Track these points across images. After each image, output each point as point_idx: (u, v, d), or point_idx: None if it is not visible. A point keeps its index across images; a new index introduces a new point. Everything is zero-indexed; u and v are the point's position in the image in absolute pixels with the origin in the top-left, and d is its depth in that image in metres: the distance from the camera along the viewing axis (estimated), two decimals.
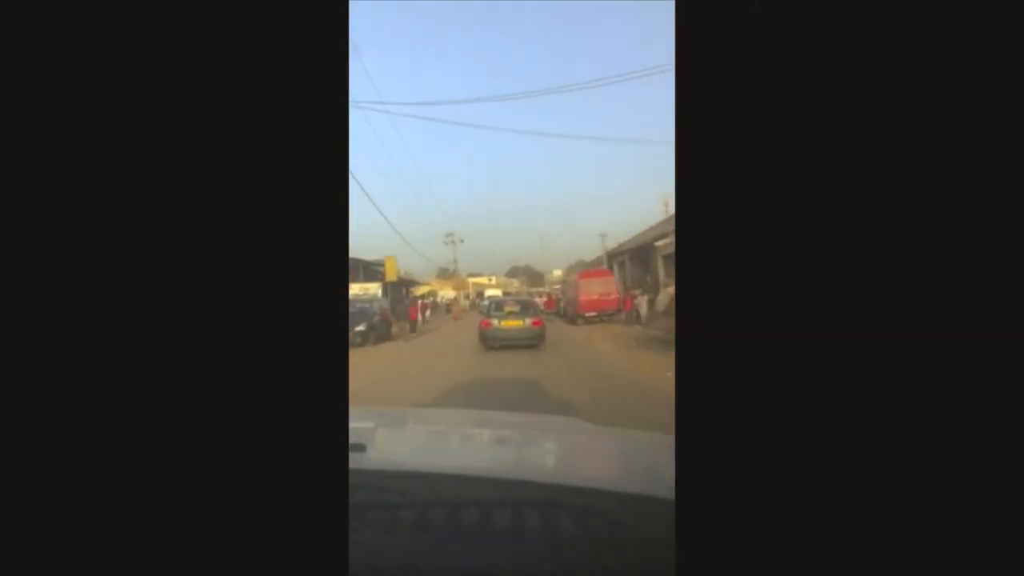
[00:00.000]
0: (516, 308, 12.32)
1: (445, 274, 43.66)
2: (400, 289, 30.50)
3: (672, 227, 17.47)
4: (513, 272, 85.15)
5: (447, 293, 40.20)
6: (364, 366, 9.49)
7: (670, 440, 0.96)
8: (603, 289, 19.93)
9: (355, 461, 0.84)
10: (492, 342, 11.57)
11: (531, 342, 11.42)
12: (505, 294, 35.15)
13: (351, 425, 0.74)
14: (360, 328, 13.44)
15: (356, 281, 21.24)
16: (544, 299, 25.72)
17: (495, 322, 11.73)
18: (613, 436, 1.75)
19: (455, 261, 38.91)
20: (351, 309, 12.98)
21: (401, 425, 1.79)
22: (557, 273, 53.87)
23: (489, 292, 38.61)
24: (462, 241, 39.74)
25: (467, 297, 42.80)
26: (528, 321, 11.74)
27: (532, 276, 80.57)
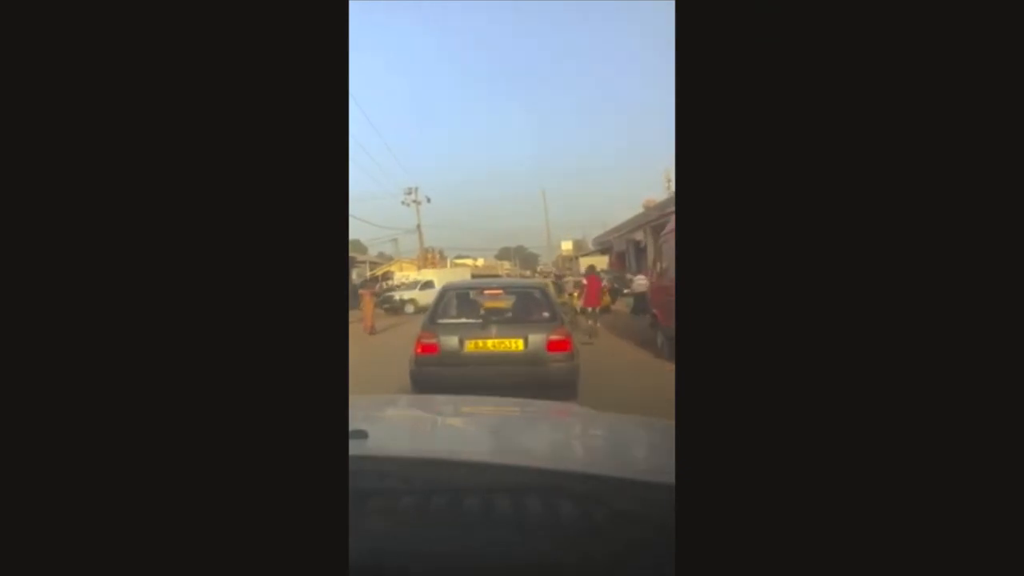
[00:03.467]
0: (506, 303, 5.04)
1: (428, 255, 32.04)
2: None
3: None
4: (504, 253, 74.60)
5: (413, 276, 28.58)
6: None
7: (671, 425, 0.92)
8: None
9: (356, 447, 0.83)
10: (446, 392, 3.90)
11: (542, 388, 4.05)
12: (475, 276, 21.91)
13: (351, 411, 0.74)
14: None
15: None
16: (584, 280, 12.40)
17: (452, 342, 4.51)
18: (614, 422, 1.71)
19: (418, 227, 27.59)
20: None
21: (402, 411, 1.77)
22: (566, 246, 42.54)
23: (425, 275, 21.92)
24: (428, 200, 28.28)
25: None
26: (537, 340, 4.45)
27: (526, 257, 70.38)
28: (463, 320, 4.84)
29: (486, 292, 5.45)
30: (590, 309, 11.10)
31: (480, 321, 4.76)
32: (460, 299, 5.21)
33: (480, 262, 47.83)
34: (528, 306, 5.04)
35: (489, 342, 4.58)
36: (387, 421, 1.52)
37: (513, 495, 0.84)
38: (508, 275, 37.03)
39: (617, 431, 1.52)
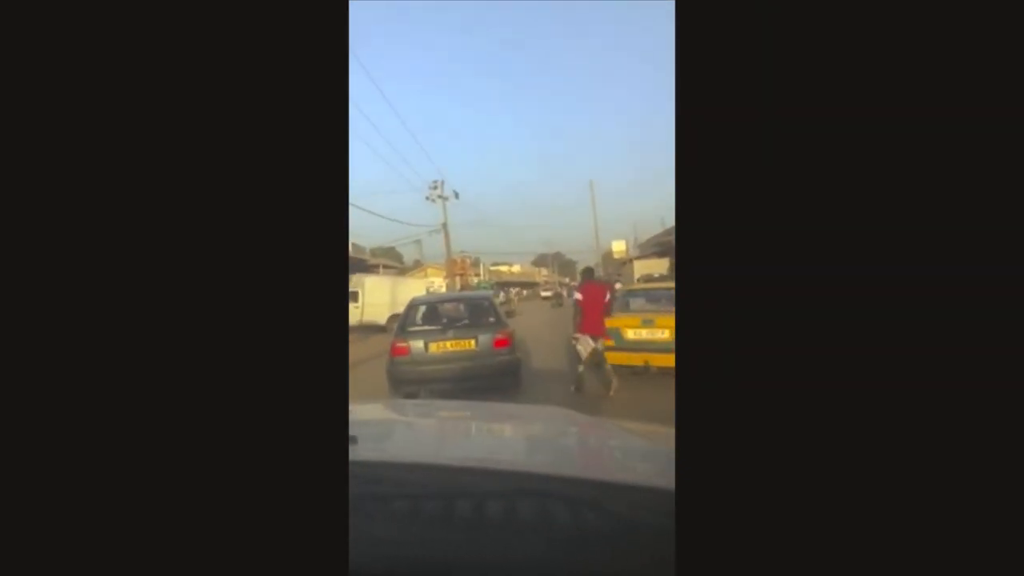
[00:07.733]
0: (460, 311, 6.78)
1: (458, 260, 28.10)
2: None
3: None
4: (541, 260, 70.38)
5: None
6: None
7: (665, 431, 0.95)
8: None
9: (349, 452, 0.88)
10: (416, 382, 5.59)
11: (491, 377, 5.55)
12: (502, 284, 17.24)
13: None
14: None
15: None
16: (578, 294, 6.14)
17: (419, 345, 5.77)
18: (607, 427, 1.73)
19: (443, 226, 23.91)
20: None
21: (395, 416, 1.82)
22: (618, 247, 37.61)
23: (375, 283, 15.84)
24: (456, 195, 24.44)
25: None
26: (485, 339, 5.80)
27: (564, 264, 66.22)
28: (426, 327, 6.07)
29: (445, 304, 7.00)
30: (593, 342, 5.75)
31: (440, 327, 5.98)
32: (426, 310, 6.63)
33: (516, 268, 44.04)
34: (478, 313, 6.38)
35: (448, 343, 5.76)
36: (380, 426, 1.55)
37: (506, 499, 0.84)
38: (546, 282, 33.02)
39: (611, 436, 1.54)
